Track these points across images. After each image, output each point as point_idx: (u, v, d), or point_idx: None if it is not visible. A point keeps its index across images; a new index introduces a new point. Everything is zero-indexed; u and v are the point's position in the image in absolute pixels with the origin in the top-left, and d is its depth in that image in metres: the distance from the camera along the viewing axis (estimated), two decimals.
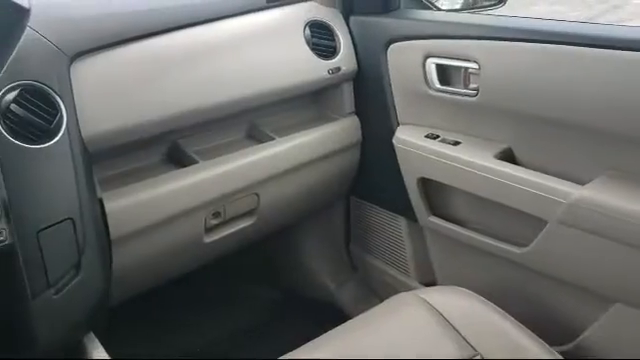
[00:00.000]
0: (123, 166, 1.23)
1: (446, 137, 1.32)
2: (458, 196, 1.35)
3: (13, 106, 0.96)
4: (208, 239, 1.32)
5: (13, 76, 0.98)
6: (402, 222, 1.53)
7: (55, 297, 1.00)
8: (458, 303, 1.06)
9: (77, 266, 1.03)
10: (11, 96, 0.97)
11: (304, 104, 1.53)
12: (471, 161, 1.24)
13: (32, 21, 1.04)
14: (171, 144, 1.32)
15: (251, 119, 1.43)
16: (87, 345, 1.09)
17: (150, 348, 1.31)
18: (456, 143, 1.29)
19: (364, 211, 1.66)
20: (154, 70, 1.18)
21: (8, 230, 0.94)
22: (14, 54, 0.99)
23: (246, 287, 1.86)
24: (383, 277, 1.66)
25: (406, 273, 1.58)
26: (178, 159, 1.31)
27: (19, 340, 1.01)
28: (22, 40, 1.01)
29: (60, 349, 1.07)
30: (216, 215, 1.31)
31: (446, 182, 1.32)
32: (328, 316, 1.65)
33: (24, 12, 1.04)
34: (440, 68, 1.29)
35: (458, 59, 1.25)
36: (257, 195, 1.37)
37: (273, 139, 1.39)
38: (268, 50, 1.35)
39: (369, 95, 1.47)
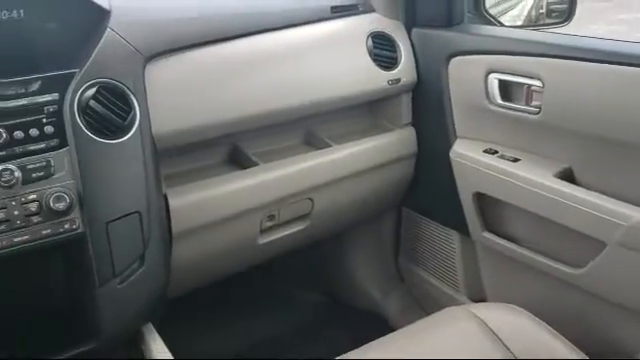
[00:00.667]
0: (187, 164, 1.28)
1: (505, 153, 1.32)
2: (514, 213, 1.34)
3: (92, 102, 1.02)
4: (262, 240, 1.35)
5: (93, 74, 1.03)
6: (454, 236, 1.53)
7: (120, 286, 1.04)
8: (509, 320, 1.05)
9: (141, 258, 1.07)
10: (90, 93, 1.02)
11: (361, 113, 1.55)
12: (530, 179, 1.23)
13: (112, 22, 1.09)
14: (232, 146, 1.36)
15: (309, 125, 1.46)
16: (145, 335, 1.13)
17: (199, 343, 1.34)
18: (515, 160, 1.29)
19: (415, 223, 1.66)
20: (221, 74, 1.23)
21: (81, 219, 0.99)
22: (95, 53, 1.04)
23: (292, 290, 1.88)
24: (430, 290, 1.66)
25: (455, 287, 1.57)
26: (238, 161, 1.35)
27: (84, 327, 1.06)
28: (102, 40, 1.06)
29: (120, 337, 1.11)
30: (271, 217, 1.34)
31: (502, 198, 1.31)
32: (372, 325, 1.66)
33: (105, 13, 1.10)
34: (502, 84, 1.29)
35: (521, 76, 1.25)
36: (311, 200, 1.39)
37: (330, 146, 1.42)
38: (330, 59, 1.38)
39: (427, 107, 1.48)
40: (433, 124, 1.47)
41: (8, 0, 1.02)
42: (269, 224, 1.35)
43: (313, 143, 1.46)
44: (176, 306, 1.23)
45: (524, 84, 1.25)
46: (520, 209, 1.28)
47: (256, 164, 1.32)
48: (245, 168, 1.32)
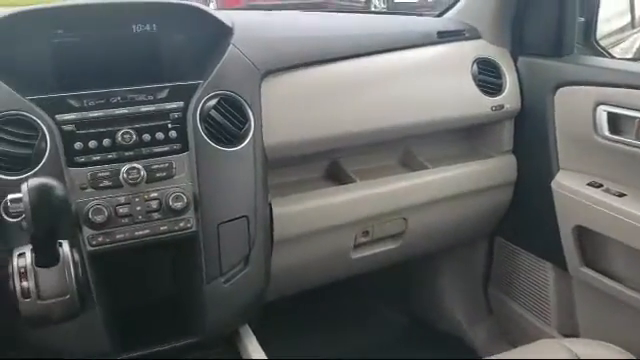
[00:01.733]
0: (290, 176, 1.34)
1: (610, 187, 1.28)
2: (616, 249, 1.29)
3: (212, 112, 1.10)
4: (355, 255, 1.39)
5: (215, 86, 1.12)
6: (549, 269, 1.49)
7: (225, 285, 1.11)
8: (604, 357, 1.02)
9: (246, 260, 1.13)
10: (212, 103, 1.10)
11: (460, 137, 1.56)
12: (636, 214, 1.19)
13: (235, 39, 1.18)
14: (332, 161, 1.41)
15: (407, 146, 1.49)
16: (242, 335, 1.19)
17: (287, 347, 1.39)
18: (621, 195, 1.25)
19: (508, 253, 1.64)
20: (329, 93, 1.29)
21: (195, 219, 1.06)
22: (218, 67, 1.13)
23: (378, 308, 1.90)
24: (520, 322, 1.62)
25: (545, 320, 1.53)
26: (337, 176, 1.40)
27: (189, 320, 1.13)
28: (225, 56, 1.15)
29: (219, 335, 1.17)
30: (365, 234, 1.37)
31: (605, 233, 1.27)
32: (456, 351, 1.64)
33: (228, 30, 1.19)
34: (611, 116, 1.26)
35: (632, 109, 1.22)
36: (405, 220, 1.41)
37: (427, 168, 1.43)
38: (434, 82, 1.40)
39: (530, 136, 1.47)
40: (535, 153, 1.45)
41: (144, 15, 1.13)
42: (363, 240, 1.38)
43: (410, 164, 1.48)
44: (269, 310, 1.28)
45: (635, 117, 1.21)
46: (623, 245, 1.24)
47: (354, 181, 1.36)
48: (343, 184, 1.37)
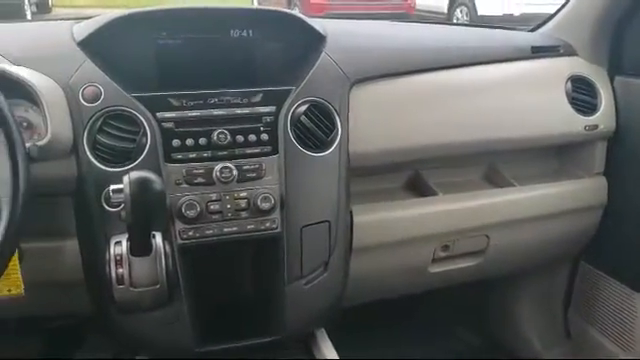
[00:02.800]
0: (372, 184, 1.35)
1: None
2: None
3: (303, 117, 1.12)
4: (433, 269, 1.37)
5: (306, 93, 1.14)
6: (637, 298, 1.42)
7: (305, 287, 1.12)
8: None
9: (326, 265, 1.15)
10: (302, 109, 1.13)
11: (549, 156, 1.52)
12: None
13: (327, 47, 1.20)
14: (415, 173, 1.40)
15: (492, 162, 1.46)
16: (318, 338, 1.20)
17: (359, 354, 1.39)
18: None
19: (592, 278, 1.57)
20: (416, 103, 1.28)
21: (280, 220, 1.09)
22: (310, 74, 1.15)
23: (451, 324, 1.86)
24: (599, 348, 1.55)
25: (629, 350, 1.46)
26: (418, 188, 1.39)
27: (268, 320, 1.15)
28: (318, 63, 1.17)
29: (296, 336, 1.19)
30: (445, 248, 1.36)
31: None
32: None
33: (322, 38, 1.21)
34: None
35: None
36: (487, 237, 1.38)
37: (513, 185, 1.40)
38: (526, 98, 1.37)
39: (625, 158, 1.40)
40: (629, 177, 1.39)
41: (242, 21, 1.17)
42: (442, 254, 1.36)
43: (494, 180, 1.45)
44: (345, 315, 1.29)
45: None
46: None
47: (436, 193, 1.34)
48: (424, 196, 1.35)
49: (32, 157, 0.89)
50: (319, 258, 1.14)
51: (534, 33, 1.57)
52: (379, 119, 1.24)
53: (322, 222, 1.13)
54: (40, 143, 0.95)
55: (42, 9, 9.86)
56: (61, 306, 1.15)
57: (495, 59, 1.40)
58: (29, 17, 8.38)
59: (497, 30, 1.67)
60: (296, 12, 1.24)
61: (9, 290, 0.97)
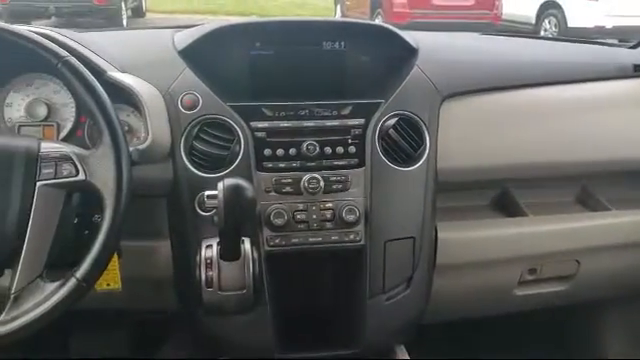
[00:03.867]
0: (458, 201, 1.32)
1: None
2: None
3: (391, 131, 1.12)
4: (519, 292, 1.33)
5: (396, 106, 1.14)
6: None
7: (386, 303, 1.12)
8: None
9: (408, 281, 1.14)
10: (391, 122, 1.13)
11: None
12: None
13: (419, 60, 1.19)
14: (503, 191, 1.36)
15: (586, 184, 1.40)
16: (398, 354, 1.19)
17: None
18: None
19: None
20: (509, 120, 1.25)
21: (364, 233, 1.09)
22: (401, 87, 1.15)
23: (532, 350, 1.79)
24: None
25: None
26: (506, 207, 1.35)
27: (349, 333, 1.16)
28: (409, 76, 1.16)
29: (374, 351, 1.19)
30: (532, 271, 1.31)
31: None
32: None
33: (414, 52, 1.20)
34: None
35: None
36: (578, 262, 1.32)
37: (609, 210, 1.33)
38: (626, 119, 1.31)
39: None
40: None
41: (335, 33, 1.19)
42: (529, 277, 1.31)
43: (588, 203, 1.38)
44: (425, 333, 1.27)
45: None
46: None
47: (525, 214, 1.30)
48: (512, 216, 1.31)
49: (133, 160, 0.93)
50: (402, 274, 1.13)
51: (636, 50, 1.49)
52: (469, 135, 1.21)
53: (406, 238, 1.12)
54: (141, 147, 1.00)
55: (137, 13, 10.39)
56: (151, 302, 1.20)
57: (596, 77, 1.34)
58: (125, 20, 8.84)
59: (596, 46, 1.61)
60: (389, 25, 1.23)
61: (108, 284, 1.02)
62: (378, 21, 8.39)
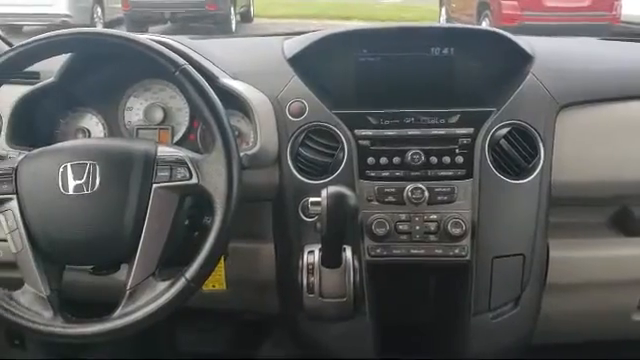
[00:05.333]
0: (572, 217, 1.24)
1: None
2: None
3: (502, 141, 1.07)
4: (637, 317, 1.22)
5: (508, 115, 1.09)
6: None
7: (492, 321, 1.07)
8: None
9: (517, 300, 1.08)
10: (502, 132, 1.08)
11: None
12: None
13: (534, 68, 1.13)
14: (622, 208, 1.26)
15: None
16: None
17: None
18: None
19: None
20: (631, 132, 1.16)
21: (470, 248, 1.05)
22: (514, 96, 1.10)
23: None
24: None
25: None
26: (625, 225, 1.24)
27: (451, 351, 1.12)
28: (523, 84, 1.11)
29: None
30: None
31: None
32: None
33: (529, 59, 1.14)
34: None
35: None
36: None
37: None
38: None
39: None
40: None
41: (443, 39, 1.15)
42: None
43: None
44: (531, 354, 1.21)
45: None
46: None
47: None
48: (632, 235, 1.21)
49: (243, 165, 0.96)
50: (510, 293, 1.08)
51: None
52: (587, 147, 1.14)
53: (516, 255, 1.07)
54: (250, 152, 1.03)
55: (245, 18, 10.77)
56: (253, 304, 1.23)
57: None
58: (234, 25, 9.18)
59: None
60: (502, 30, 1.18)
61: (213, 285, 1.06)
62: (485, 24, 8.15)
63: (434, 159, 1.07)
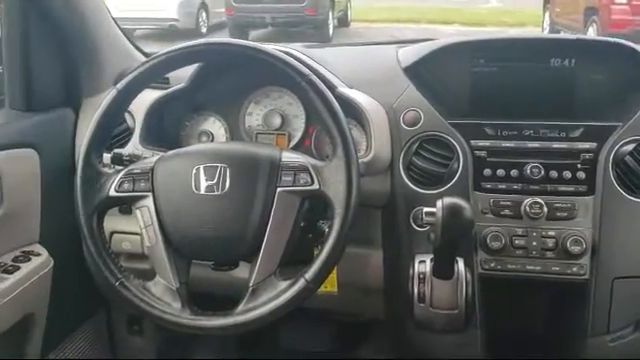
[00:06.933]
0: None
1: None
2: None
3: (627, 158, 1.03)
4: None
5: (636, 130, 1.04)
6: None
7: (610, 345, 1.03)
8: None
9: (637, 324, 1.04)
10: (628, 148, 1.04)
11: None
12: None
13: None
14: None
15: None
16: None
17: None
18: None
19: None
20: None
21: (589, 267, 1.02)
22: None
23: None
24: None
25: None
26: None
27: None
28: None
29: None
30: None
31: None
32: None
33: None
34: None
35: None
36: None
37: None
38: None
39: None
40: None
41: (564, 50, 1.12)
42: None
43: None
44: None
45: None
46: None
47: None
48: None
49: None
50: (631, 315, 1.04)
51: None
52: None
53: (639, 277, 1.02)
54: (365, 160, 1.05)
55: (342, 23, 10.85)
56: (360, 307, 1.25)
57: None
58: (331, 30, 9.28)
59: None
60: (628, 42, 1.13)
61: (325, 287, 1.09)
62: (592, 30, 7.73)
63: (554, 173, 1.04)
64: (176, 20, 8.52)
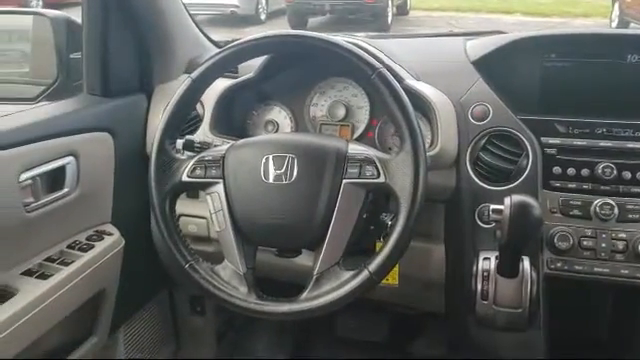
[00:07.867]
0: None
1: None
2: None
3: None
4: None
5: None
6: None
7: None
8: None
9: None
10: None
11: None
12: None
13: None
14: None
15: None
16: None
17: None
18: None
19: None
20: None
21: None
22: None
23: None
24: None
25: None
26: None
27: None
28: None
29: None
30: None
31: None
32: None
33: None
34: None
35: None
36: None
37: None
38: None
39: None
40: None
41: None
42: None
43: None
44: None
45: None
46: None
47: None
48: None
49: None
50: None
51: None
52: None
53: None
54: (430, 153, 1.04)
55: (401, 11, 10.72)
56: (419, 301, 1.25)
57: None
58: (390, 18, 9.18)
59: None
60: None
61: (387, 280, 1.09)
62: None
63: (627, 174, 1.01)
64: (236, 6, 8.61)
